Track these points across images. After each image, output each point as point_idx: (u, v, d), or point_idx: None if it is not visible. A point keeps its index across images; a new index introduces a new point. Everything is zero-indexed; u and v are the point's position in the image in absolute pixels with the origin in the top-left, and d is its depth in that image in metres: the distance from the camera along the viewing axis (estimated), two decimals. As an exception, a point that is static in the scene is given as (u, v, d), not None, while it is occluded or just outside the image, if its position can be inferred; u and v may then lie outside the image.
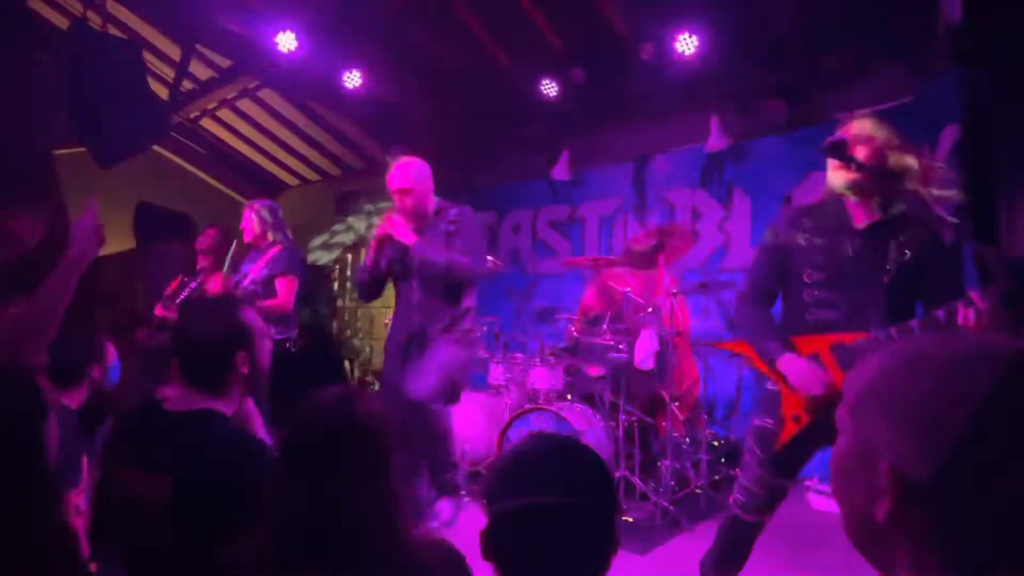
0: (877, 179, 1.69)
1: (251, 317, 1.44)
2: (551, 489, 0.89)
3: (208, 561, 1.00)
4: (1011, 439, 0.52)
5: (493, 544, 0.89)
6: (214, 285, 3.50)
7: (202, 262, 3.61)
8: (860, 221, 1.75)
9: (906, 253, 1.70)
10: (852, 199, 1.76)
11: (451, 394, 2.74)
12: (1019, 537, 0.52)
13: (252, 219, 3.47)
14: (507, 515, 0.89)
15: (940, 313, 1.56)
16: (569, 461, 0.94)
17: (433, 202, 2.76)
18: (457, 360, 2.67)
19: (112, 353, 2.44)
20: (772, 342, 1.80)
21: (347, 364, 6.71)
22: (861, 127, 1.74)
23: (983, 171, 3.20)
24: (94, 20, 4.11)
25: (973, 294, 1.50)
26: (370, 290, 2.88)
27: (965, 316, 1.49)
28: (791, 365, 1.74)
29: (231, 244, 3.67)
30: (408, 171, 2.70)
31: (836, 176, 1.75)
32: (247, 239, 3.51)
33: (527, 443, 0.98)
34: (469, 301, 2.81)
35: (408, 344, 2.73)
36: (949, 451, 0.53)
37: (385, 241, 2.65)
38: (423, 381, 2.58)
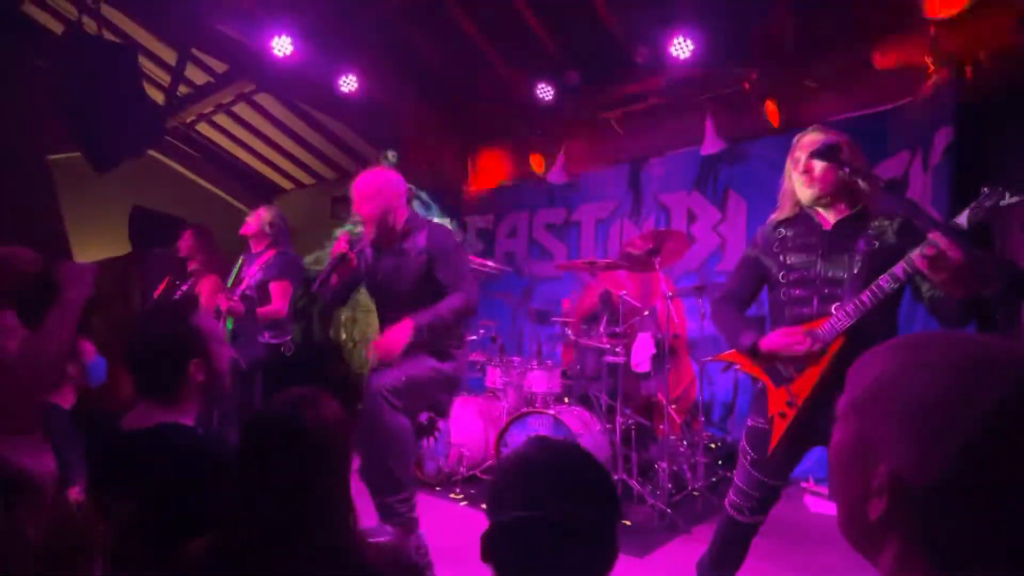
0: (858, 179, 1.77)
1: (205, 322, 1.40)
2: (554, 500, 0.88)
3: (175, 558, 1.02)
4: (1011, 455, 0.52)
5: (494, 550, 0.90)
6: (205, 286, 3.48)
7: (191, 265, 3.60)
8: (828, 223, 1.87)
9: (875, 243, 1.78)
10: (820, 209, 1.88)
11: (413, 398, 2.40)
12: (1003, 540, 0.52)
13: (258, 218, 3.46)
14: (509, 524, 0.89)
15: (897, 270, 1.64)
16: (573, 471, 0.93)
17: (403, 214, 2.51)
18: (428, 367, 2.41)
19: (90, 350, 2.45)
20: (747, 332, 1.91)
21: (343, 368, 6.69)
22: (826, 132, 1.86)
23: (976, 171, 3.22)
24: (89, 25, 4.10)
25: (932, 235, 1.56)
26: (329, 303, 2.72)
27: (922, 257, 1.55)
28: (769, 341, 1.85)
29: (211, 241, 3.66)
30: (368, 183, 2.47)
31: (805, 191, 1.86)
32: (243, 231, 3.51)
33: (530, 449, 0.97)
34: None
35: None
36: (949, 461, 0.53)
37: (340, 261, 2.41)
38: (387, 373, 2.35)
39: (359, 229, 3.19)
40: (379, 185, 2.45)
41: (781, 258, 1.91)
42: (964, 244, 1.51)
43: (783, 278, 1.91)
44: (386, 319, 2.55)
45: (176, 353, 1.31)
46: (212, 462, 1.23)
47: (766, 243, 1.97)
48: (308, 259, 6.26)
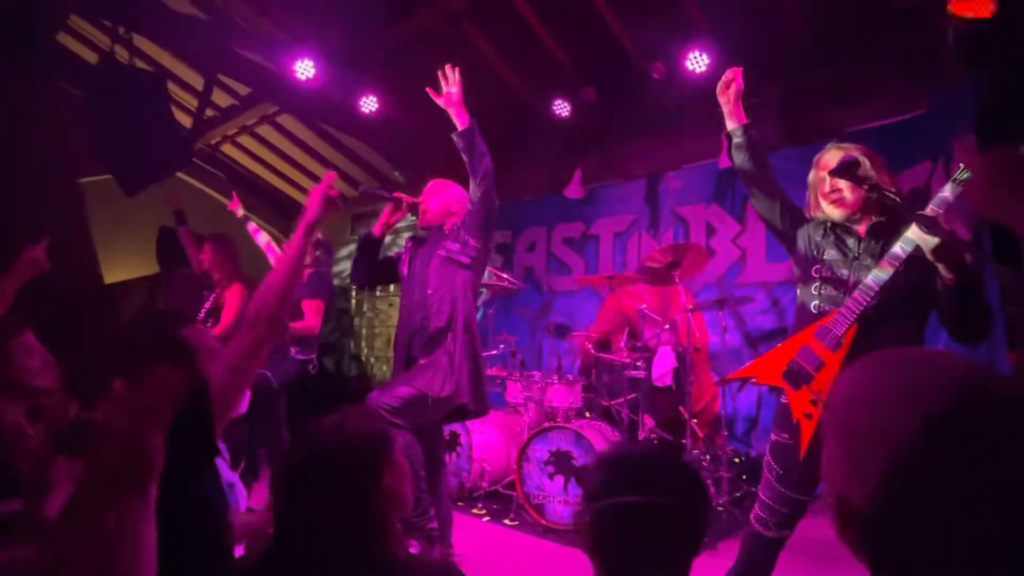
0: (880, 194, 1.78)
1: (194, 335, 1.34)
2: (654, 488, 0.97)
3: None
4: (933, 479, 0.49)
5: (594, 538, 0.98)
6: (232, 295, 3.54)
7: (215, 275, 3.67)
8: (861, 230, 1.89)
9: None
10: (850, 224, 1.90)
11: (414, 415, 2.43)
12: (942, 567, 0.50)
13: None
14: (610, 511, 0.97)
15: (896, 250, 1.70)
16: (670, 464, 1.02)
17: (451, 223, 2.75)
18: (419, 387, 2.46)
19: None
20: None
21: (364, 381, 6.76)
22: (847, 148, 1.88)
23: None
24: (121, 54, 4.25)
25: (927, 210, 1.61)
26: (361, 271, 2.82)
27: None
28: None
29: (233, 250, 3.75)
30: (440, 182, 2.86)
31: (834, 212, 1.89)
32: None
33: (627, 447, 1.11)
34: (469, 302, 2.69)
35: (409, 342, 2.64)
36: (878, 487, 0.52)
37: (395, 202, 2.72)
38: (383, 393, 2.43)
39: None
40: (445, 188, 2.81)
41: (816, 252, 1.94)
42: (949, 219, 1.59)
43: (816, 272, 1.93)
44: (413, 301, 2.68)
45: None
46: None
47: (807, 231, 2.00)
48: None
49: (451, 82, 2.62)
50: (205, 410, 0.97)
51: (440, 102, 2.65)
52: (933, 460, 0.50)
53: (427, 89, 2.68)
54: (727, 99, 2.09)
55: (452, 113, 2.63)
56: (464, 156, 2.65)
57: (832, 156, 1.89)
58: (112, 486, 0.75)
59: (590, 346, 4.19)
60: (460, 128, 2.63)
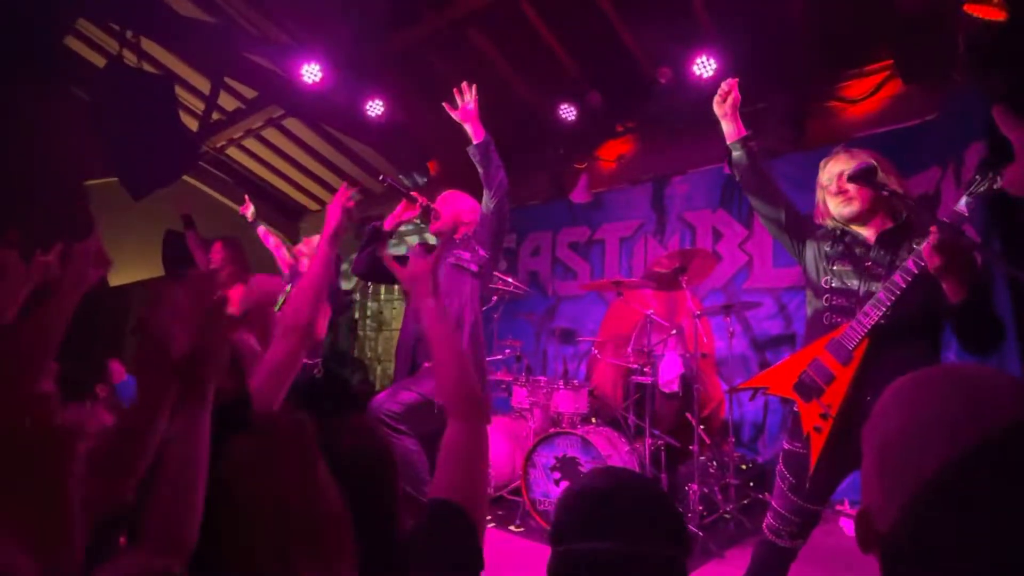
0: (899, 200, 1.78)
1: (237, 337, 1.40)
2: (623, 534, 0.85)
3: None
4: (962, 507, 0.46)
5: None
6: (234, 296, 3.56)
7: (221, 275, 3.70)
8: (872, 236, 1.87)
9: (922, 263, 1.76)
10: (857, 227, 1.89)
11: (417, 420, 2.45)
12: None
13: (310, 245, 3.59)
14: (576, 555, 0.86)
15: (909, 263, 1.66)
16: (645, 504, 0.89)
17: (463, 231, 2.82)
18: (419, 392, 2.48)
19: (119, 371, 2.51)
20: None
21: (367, 386, 6.75)
22: (856, 153, 1.88)
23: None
24: (129, 58, 4.26)
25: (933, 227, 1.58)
26: (362, 265, 2.83)
27: (928, 245, 1.57)
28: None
29: (242, 253, 3.77)
30: (454, 192, 2.92)
31: (842, 210, 1.87)
32: (299, 254, 3.65)
33: (598, 480, 0.94)
34: (476, 309, 2.71)
35: (415, 346, 2.66)
36: (905, 508, 0.49)
37: (409, 199, 2.74)
38: (386, 399, 2.43)
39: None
40: (458, 198, 2.88)
41: (826, 261, 1.92)
42: (957, 229, 1.55)
43: (825, 283, 1.91)
44: (412, 313, 2.73)
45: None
46: None
47: (816, 241, 1.98)
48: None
49: (467, 97, 2.67)
50: (247, 417, 1.01)
51: (456, 115, 2.71)
52: (968, 489, 0.47)
53: (444, 104, 2.73)
54: (724, 111, 2.11)
55: (468, 127, 2.69)
56: (480, 168, 2.70)
57: (841, 160, 1.88)
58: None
59: (596, 352, 4.17)
60: (476, 142, 2.68)
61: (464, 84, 2.69)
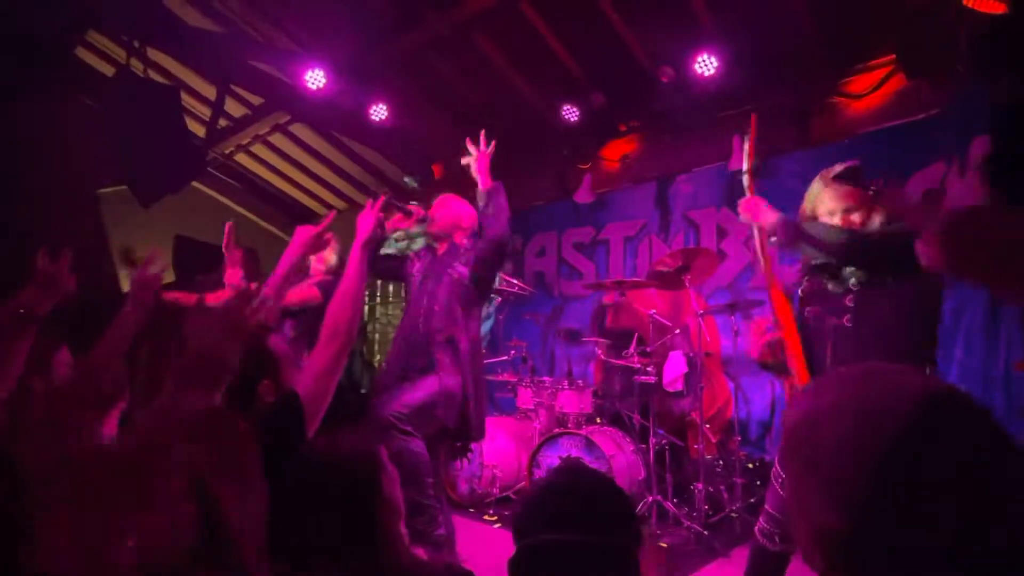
0: (880, 197, 1.81)
1: (275, 342, 1.48)
2: (580, 526, 0.90)
3: None
4: (908, 498, 0.49)
5: (520, 574, 0.92)
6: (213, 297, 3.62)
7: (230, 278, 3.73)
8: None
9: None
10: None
11: (421, 421, 2.47)
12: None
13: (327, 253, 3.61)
14: (535, 548, 0.91)
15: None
16: (600, 497, 0.95)
17: (461, 236, 2.82)
18: (426, 389, 2.50)
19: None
20: None
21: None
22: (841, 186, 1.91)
23: (1015, 182, 3.13)
24: (136, 67, 4.33)
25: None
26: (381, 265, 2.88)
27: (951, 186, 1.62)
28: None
29: (258, 266, 3.81)
30: (450, 196, 2.93)
31: (837, 201, 1.90)
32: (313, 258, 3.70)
33: (557, 476, 0.99)
34: (469, 327, 2.71)
35: (410, 349, 2.67)
36: (855, 509, 0.51)
37: (406, 212, 2.63)
38: (391, 401, 2.44)
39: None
40: (455, 202, 2.91)
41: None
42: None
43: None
44: (410, 317, 2.75)
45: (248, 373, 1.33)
46: None
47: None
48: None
49: (483, 148, 2.70)
50: (299, 419, 1.23)
51: (466, 160, 2.72)
52: (912, 469, 0.50)
53: (464, 145, 2.75)
54: (750, 218, 2.22)
55: (478, 178, 2.68)
56: (480, 216, 2.70)
57: (829, 195, 1.95)
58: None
59: (600, 352, 4.18)
60: (482, 189, 2.66)
61: (481, 134, 2.72)
